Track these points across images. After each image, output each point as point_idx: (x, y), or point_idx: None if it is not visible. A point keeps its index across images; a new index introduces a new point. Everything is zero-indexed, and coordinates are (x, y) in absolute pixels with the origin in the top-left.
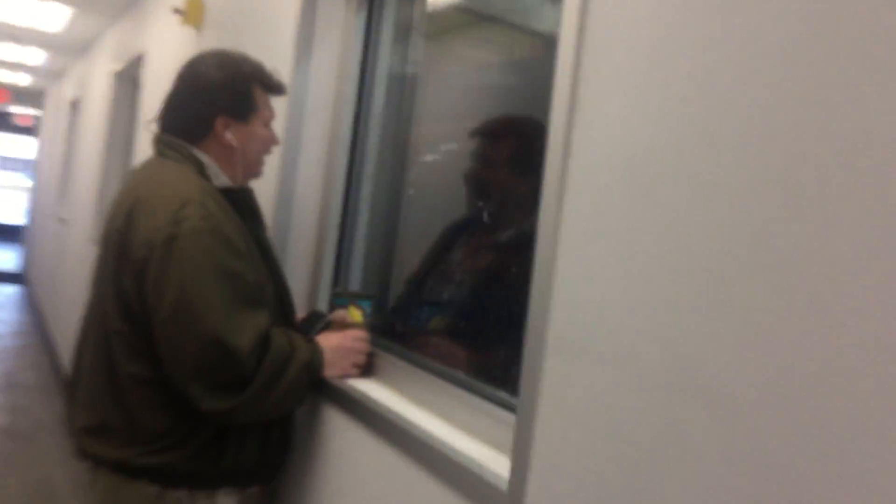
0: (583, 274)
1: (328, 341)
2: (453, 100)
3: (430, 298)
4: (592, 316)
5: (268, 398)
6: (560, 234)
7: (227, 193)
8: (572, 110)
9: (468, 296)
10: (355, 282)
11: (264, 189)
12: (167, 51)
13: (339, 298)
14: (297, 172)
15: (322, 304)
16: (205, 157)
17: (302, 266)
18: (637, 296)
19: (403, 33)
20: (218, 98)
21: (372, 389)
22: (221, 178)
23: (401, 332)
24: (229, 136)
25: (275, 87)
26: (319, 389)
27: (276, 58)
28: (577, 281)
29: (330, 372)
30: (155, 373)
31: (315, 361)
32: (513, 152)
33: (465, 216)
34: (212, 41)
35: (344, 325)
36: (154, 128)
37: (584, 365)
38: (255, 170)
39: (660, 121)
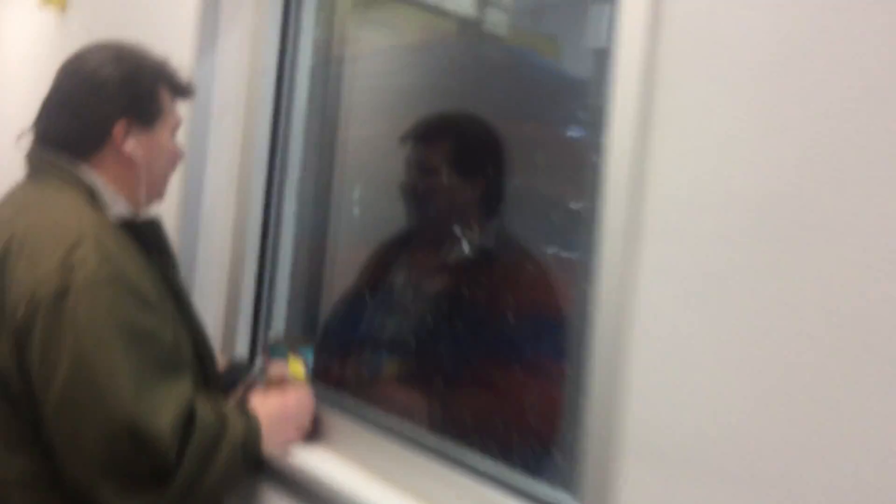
0: (678, 351)
1: (266, 407)
2: (395, 92)
3: (373, 336)
4: (701, 412)
5: (197, 490)
6: (636, 294)
7: (129, 227)
8: (645, 126)
9: (425, 330)
10: (280, 319)
11: (162, 211)
12: (22, 38)
13: (276, 348)
14: (203, 188)
15: (241, 350)
16: (97, 179)
17: (214, 304)
18: (785, 386)
19: (330, 11)
20: (118, 98)
21: (326, 463)
22: (119, 206)
23: (345, 380)
24: (131, 145)
25: (183, 89)
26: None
27: (171, 47)
28: (668, 359)
29: (271, 446)
30: (45, 470)
31: (252, 437)
32: (453, 154)
33: (402, 231)
34: (80, 28)
35: (281, 382)
36: (26, 141)
37: (693, 482)
38: (159, 190)
39: (784, 142)
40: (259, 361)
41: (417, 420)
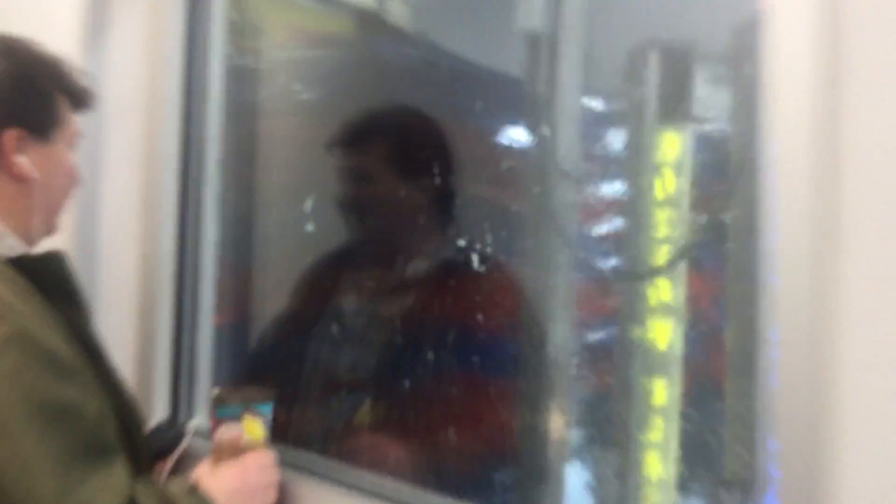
0: None
1: (221, 482)
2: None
3: (328, 375)
4: None
5: None
6: (839, 306)
7: (22, 265)
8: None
9: (395, 362)
10: (205, 364)
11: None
12: None
13: (224, 407)
14: (99, 215)
15: (159, 407)
16: None
17: (122, 355)
18: None
19: None
20: (6, 101)
21: None
22: (7, 241)
23: (305, 434)
24: (23, 161)
25: (82, 96)
26: None
27: (48, 39)
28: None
29: None
30: None
31: None
32: (392, 155)
33: (339, 248)
34: None
35: (236, 448)
36: None
37: None
38: (55, 218)
39: None
40: (193, 423)
41: (407, 476)
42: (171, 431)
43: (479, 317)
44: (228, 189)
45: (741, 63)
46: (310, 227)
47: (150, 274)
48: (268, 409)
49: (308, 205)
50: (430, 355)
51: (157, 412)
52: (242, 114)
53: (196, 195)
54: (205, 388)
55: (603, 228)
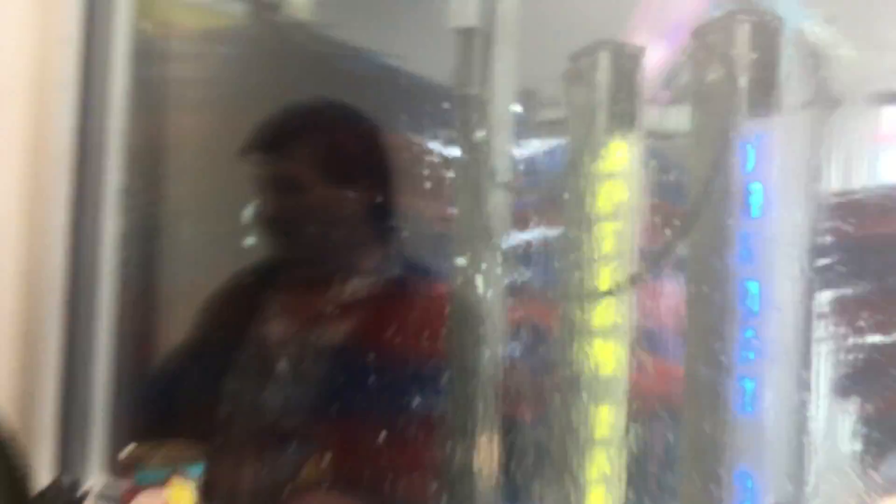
0: None
1: None
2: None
3: (254, 421)
4: None
5: None
6: None
7: None
8: None
9: (340, 401)
10: (101, 410)
11: None
12: None
13: (145, 470)
14: None
15: (43, 464)
16: None
17: None
18: None
19: None
20: None
21: None
22: None
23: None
24: None
25: None
26: None
27: None
28: None
29: None
30: None
31: None
32: (322, 158)
33: (258, 268)
34: None
35: None
36: None
37: None
38: None
39: None
40: (90, 485)
41: None
42: (61, 496)
43: (431, 341)
44: (136, 195)
45: (702, 68)
46: (247, 242)
47: (34, 297)
48: (198, 471)
49: (240, 215)
50: (381, 390)
51: (40, 470)
52: (155, 104)
53: (94, 201)
54: (100, 438)
55: (542, 243)
